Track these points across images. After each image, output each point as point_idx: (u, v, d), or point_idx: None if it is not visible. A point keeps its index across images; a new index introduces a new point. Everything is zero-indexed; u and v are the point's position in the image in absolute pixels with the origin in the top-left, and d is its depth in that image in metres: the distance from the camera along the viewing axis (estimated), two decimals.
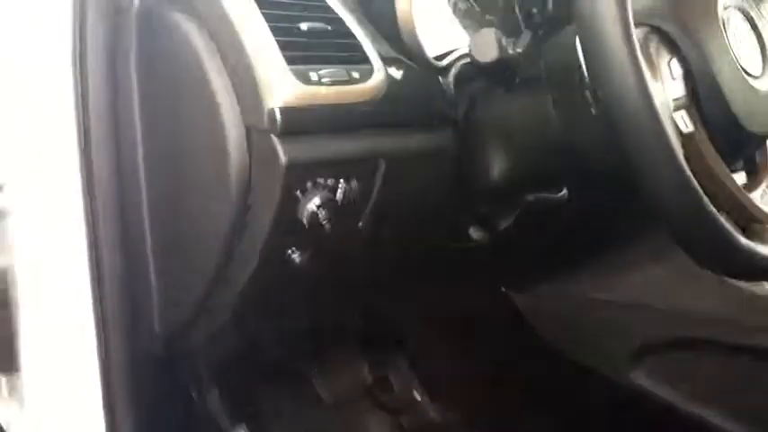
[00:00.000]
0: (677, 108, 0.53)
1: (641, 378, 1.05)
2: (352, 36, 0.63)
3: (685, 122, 0.53)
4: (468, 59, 0.69)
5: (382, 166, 0.63)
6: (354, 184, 0.61)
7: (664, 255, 0.94)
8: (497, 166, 0.71)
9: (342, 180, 0.60)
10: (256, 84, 0.55)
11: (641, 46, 0.53)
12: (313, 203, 0.58)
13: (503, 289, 1.17)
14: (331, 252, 0.66)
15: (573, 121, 0.63)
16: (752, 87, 0.58)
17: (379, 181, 0.63)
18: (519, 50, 0.64)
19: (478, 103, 0.71)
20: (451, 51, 0.74)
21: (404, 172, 0.66)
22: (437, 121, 0.69)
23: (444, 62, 0.72)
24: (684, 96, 0.54)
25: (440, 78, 0.70)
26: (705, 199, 0.49)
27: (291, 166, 0.56)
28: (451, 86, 0.71)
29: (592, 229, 0.96)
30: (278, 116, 0.55)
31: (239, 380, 0.95)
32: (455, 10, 0.74)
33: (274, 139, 0.55)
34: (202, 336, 0.71)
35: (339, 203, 0.60)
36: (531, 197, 0.77)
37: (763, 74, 0.61)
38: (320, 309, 0.82)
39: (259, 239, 0.59)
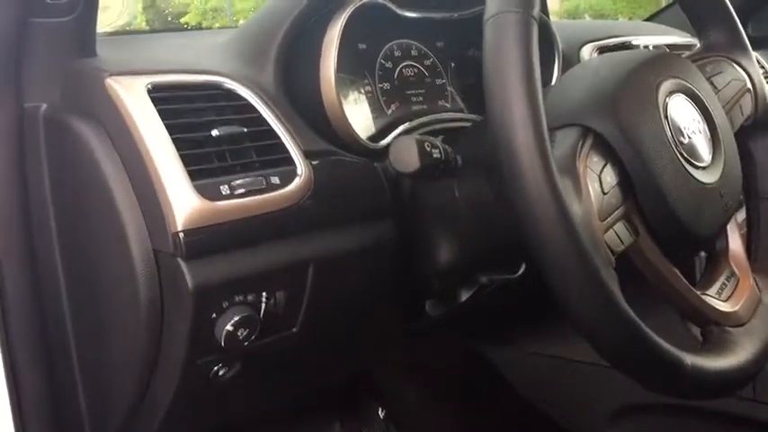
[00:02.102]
0: (612, 223, 0.48)
1: None
2: (273, 136, 0.58)
3: (621, 239, 0.48)
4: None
5: (311, 272, 0.59)
6: (280, 295, 0.57)
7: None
8: (446, 253, 0.67)
9: (264, 293, 0.56)
10: (159, 205, 0.51)
11: (571, 152, 0.49)
12: (230, 324, 0.53)
13: (476, 345, 1.14)
14: (266, 361, 0.62)
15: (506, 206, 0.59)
16: (698, 183, 0.54)
17: (309, 287, 0.59)
18: (447, 148, 0.59)
19: (421, 187, 0.67)
20: (388, 128, 0.70)
21: (338, 272, 0.61)
22: (374, 213, 0.64)
23: (381, 143, 0.68)
24: (622, 206, 0.49)
25: (377, 165, 0.66)
26: (640, 329, 0.44)
27: (201, 291, 0.52)
28: (392, 169, 0.66)
29: None
30: (182, 240, 0.50)
31: None
32: (374, 92, 0.70)
33: (181, 263, 0.51)
34: None
35: (262, 319, 0.56)
36: (483, 280, 0.73)
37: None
38: (275, 396, 0.77)
39: (176, 363, 0.55)
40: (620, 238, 0.48)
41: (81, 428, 0.63)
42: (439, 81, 0.79)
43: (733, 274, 0.60)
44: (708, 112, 0.58)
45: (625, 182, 0.50)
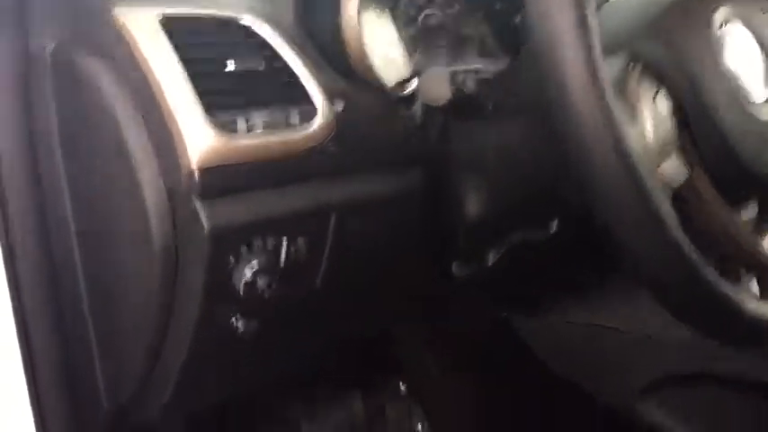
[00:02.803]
0: (666, 154, 0.44)
1: (652, 412, 0.97)
2: (292, 74, 0.55)
3: (676, 174, 0.44)
4: None
5: (333, 219, 0.55)
6: (302, 242, 0.54)
7: None
8: (475, 206, 0.64)
9: (285, 239, 0.52)
10: (171, 139, 0.47)
11: (620, 77, 0.45)
12: (249, 270, 0.50)
13: (503, 314, 1.10)
14: (286, 315, 0.59)
15: (550, 162, 0.55)
16: (756, 119, 0.49)
17: (331, 236, 0.56)
18: (480, 83, 0.55)
19: (449, 134, 0.63)
20: (412, 75, 0.66)
21: (361, 222, 0.58)
22: (400, 161, 0.61)
23: (407, 91, 0.64)
24: (675, 137, 0.45)
25: (402, 110, 0.62)
26: (702, 269, 0.40)
27: (218, 232, 0.48)
28: (417, 117, 0.63)
29: (592, 258, 0.88)
30: (197, 177, 0.47)
31: None
32: (401, 37, 0.65)
33: (196, 202, 0.48)
34: (156, 406, 0.64)
35: (282, 267, 0.53)
36: (514, 237, 0.69)
37: None
38: (294, 355, 0.74)
39: (191, 312, 0.52)
40: (674, 173, 0.44)
41: (94, 379, 0.60)
42: (465, 29, 0.75)
43: None
44: (765, 44, 0.54)
45: (678, 112, 0.46)
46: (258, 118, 0.50)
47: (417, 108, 0.63)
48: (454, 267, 0.74)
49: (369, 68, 0.61)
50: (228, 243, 0.49)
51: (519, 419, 1.13)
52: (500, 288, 0.98)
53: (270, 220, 0.51)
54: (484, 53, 0.75)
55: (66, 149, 0.56)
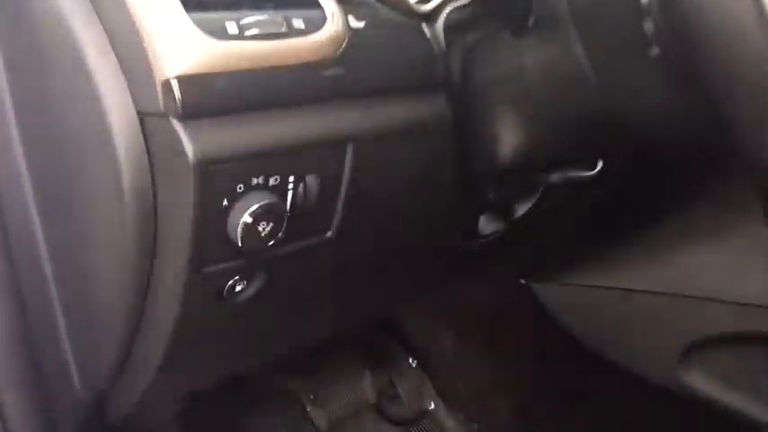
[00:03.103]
0: None
1: (691, 379, 0.89)
2: None
3: None
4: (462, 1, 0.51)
5: (349, 153, 0.45)
6: (312, 181, 0.43)
7: (714, 238, 0.78)
8: (509, 139, 0.55)
9: (291, 177, 0.42)
10: (141, 45, 0.37)
11: None
12: (248, 214, 0.40)
13: (522, 280, 1.01)
14: (292, 275, 0.49)
15: (616, 72, 0.45)
16: None
17: (348, 173, 0.45)
18: None
19: (479, 55, 0.54)
20: None
21: (382, 157, 0.48)
22: (423, 85, 0.51)
23: (429, 6, 0.54)
24: None
25: (424, 27, 0.52)
26: None
27: (206, 163, 0.38)
28: (441, 37, 0.53)
29: (627, 209, 0.79)
30: (176, 91, 0.36)
31: (210, 419, 0.79)
32: None
33: (176, 125, 0.37)
34: (137, 392, 0.54)
35: (289, 210, 0.42)
36: (554, 177, 0.60)
37: None
38: (298, 329, 0.65)
39: (177, 273, 0.41)
40: None
41: (64, 362, 0.50)
42: None
43: None
44: None
45: None
46: (253, 21, 0.39)
47: (440, 26, 0.54)
48: (481, 222, 0.65)
49: None
50: (220, 180, 0.39)
51: (541, 396, 1.05)
52: (523, 249, 0.90)
53: (273, 152, 0.41)
54: None
55: (12, 69, 0.44)
